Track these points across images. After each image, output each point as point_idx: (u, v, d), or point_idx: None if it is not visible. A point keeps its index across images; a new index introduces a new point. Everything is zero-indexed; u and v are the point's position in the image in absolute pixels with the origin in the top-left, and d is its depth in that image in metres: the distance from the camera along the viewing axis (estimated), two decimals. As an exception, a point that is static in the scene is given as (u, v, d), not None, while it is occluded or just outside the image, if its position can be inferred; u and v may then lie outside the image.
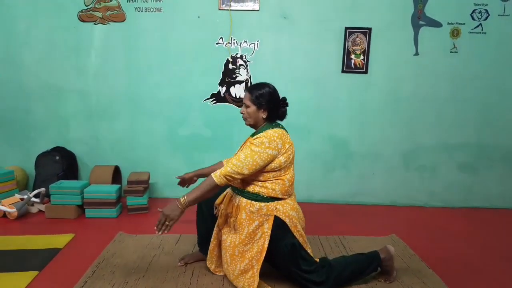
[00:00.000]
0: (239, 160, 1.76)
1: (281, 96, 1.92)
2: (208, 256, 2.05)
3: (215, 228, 1.99)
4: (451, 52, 3.15)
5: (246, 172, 1.75)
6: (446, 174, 3.32)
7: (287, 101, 1.93)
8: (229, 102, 3.27)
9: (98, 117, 3.29)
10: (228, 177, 1.76)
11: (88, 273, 2.01)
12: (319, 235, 2.60)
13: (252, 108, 1.86)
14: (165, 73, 3.22)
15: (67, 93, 3.25)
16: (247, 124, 1.95)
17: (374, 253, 1.99)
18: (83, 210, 2.88)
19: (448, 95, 3.21)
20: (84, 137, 3.32)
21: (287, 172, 1.84)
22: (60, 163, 3.17)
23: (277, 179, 1.82)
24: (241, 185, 1.86)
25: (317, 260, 1.91)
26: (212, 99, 3.27)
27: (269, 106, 1.85)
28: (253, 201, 1.81)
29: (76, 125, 3.30)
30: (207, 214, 2.08)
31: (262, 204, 1.80)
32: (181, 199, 1.82)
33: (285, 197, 1.85)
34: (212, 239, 2.01)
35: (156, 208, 3.09)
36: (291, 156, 1.85)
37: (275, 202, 1.81)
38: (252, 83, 3.23)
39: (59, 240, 2.41)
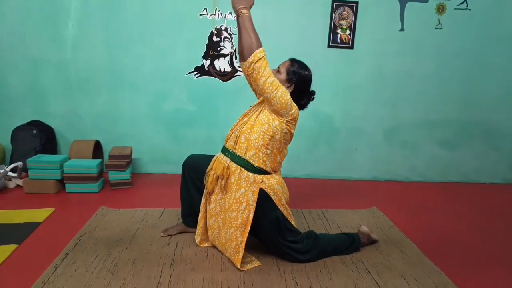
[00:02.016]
0: (274, 77, 1.68)
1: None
2: (197, 228, 2.04)
3: (202, 199, 1.98)
4: (435, 28, 3.15)
5: (264, 79, 1.63)
6: (427, 150, 3.39)
7: (314, 96, 1.91)
8: (213, 76, 3.20)
9: (78, 90, 3.17)
10: (257, 57, 1.63)
11: (69, 245, 1.98)
12: (302, 208, 2.64)
13: (283, 76, 1.81)
14: (147, 45, 3.11)
15: (44, 65, 3.10)
16: None
17: (355, 235, 2.06)
18: (63, 185, 2.81)
19: (431, 71, 3.24)
20: (63, 111, 3.21)
21: (281, 152, 1.85)
22: (38, 138, 3.06)
23: (272, 152, 1.80)
24: (236, 146, 1.82)
25: (301, 232, 1.95)
26: (195, 73, 3.19)
27: (297, 85, 1.81)
28: (242, 168, 1.80)
29: (54, 99, 3.17)
30: (190, 185, 2.07)
31: (250, 174, 1.80)
32: (246, 10, 1.71)
33: (272, 172, 1.86)
34: (199, 211, 2.00)
35: (139, 183, 3.07)
36: (291, 135, 1.84)
37: (262, 175, 1.81)
38: (237, 56, 3.16)
39: (39, 214, 2.36)
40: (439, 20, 3.13)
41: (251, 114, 1.87)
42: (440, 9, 3.12)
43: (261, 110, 1.82)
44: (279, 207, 1.84)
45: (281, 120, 1.75)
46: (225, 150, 1.90)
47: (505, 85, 3.28)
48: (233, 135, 1.87)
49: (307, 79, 1.86)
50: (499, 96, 3.31)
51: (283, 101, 1.70)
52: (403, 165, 3.41)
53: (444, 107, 3.31)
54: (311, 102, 1.94)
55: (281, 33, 3.13)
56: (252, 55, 1.65)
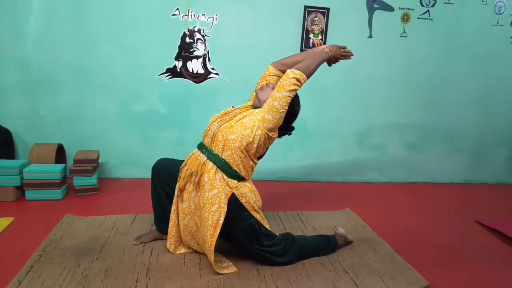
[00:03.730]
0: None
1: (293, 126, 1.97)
2: (167, 237, 1.97)
3: (173, 206, 1.92)
4: (401, 36, 3.30)
5: (287, 93, 1.73)
6: (394, 152, 3.53)
7: (292, 132, 1.97)
8: (186, 77, 3.13)
9: (39, 90, 2.97)
10: (300, 79, 1.76)
11: (34, 257, 1.83)
12: (278, 211, 2.64)
13: None
14: (116, 43, 2.98)
15: (1, 62, 2.88)
16: (257, 96, 1.92)
17: (332, 237, 2.09)
18: (23, 192, 2.62)
19: (398, 77, 3.38)
20: (22, 112, 2.99)
21: (253, 159, 1.83)
22: (-6, 141, 2.84)
23: (246, 157, 1.78)
24: (213, 143, 1.78)
25: (277, 234, 1.94)
26: (167, 74, 3.11)
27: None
28: (218, 168, 1.76)
29: (13, 98, 2.95)
30: (160, 190, 2.01)
31: (225, 176, 1.77)
32: (328, 51, 1.95)
33: (246, 177, 1.84)
34: (170, 220, 1.94)
35: (108, 188, 2.92)
36: (263, 149, 1.84)
37: (236, 180, 1.79)
38: (211, 59, 3.13)
39: (-4, 224, 2.17)
40: (404, 28, 3.28)
41: (233, 114, 1.84)
42: (405, 18, 3.28)
43: (246, 115, 1.81)
44: (252, 213, 1.82)
45: (264, 132, 1.75)
46: (202, 147, 1.85)
47: (465, 91, 3.50)
48: (210, 131, 1.83)
49: (295, 115, 1.90)
50: (459, 101, 3.51)
51: (279, 120, 1.77)
52: (372, 167, 3.52)
53: (410, 112, 3.46)
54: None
55: (256, 36, 3.13)
56: (299, 74, 1.76)
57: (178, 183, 1.87)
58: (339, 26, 3.19)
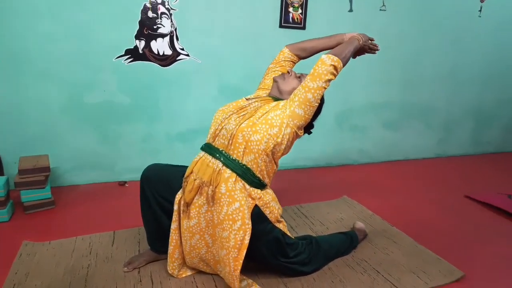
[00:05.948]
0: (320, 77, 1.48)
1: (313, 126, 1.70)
2: (168, 261, 1.62)
3: (173, 224, 1.56)
4: (380, 10, 3.16)
5: (324, 84, 1.47)
6: (374, 132, 3.46)
7: (311, 130, 1.69)
8: (151, 60, 2.64)
9: (-46, 82, 2.27)
10: (337, 68, 1.48)
11: (-6, 314, 1.36)
12: (275, 207, 2.40)
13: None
14: (59, 20, 2.36)
15: None
16: (277, 86, 1.62)
17: (353, 234, 1.94)
18: (-48, 218, 2.01)
19: (376, 54, 3.25)
20: None
21: (277, 163, 1.56)
22: None
23: (270, 162, 1.50)
24: (231, 146, 1.45)
25: (294, 238, 1.70)
26: (127, 57, 2.59)
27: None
28: (238, 176, 1.44)
29: None
30: (154, 204, 1.62)
31: (247, 185, 1.46)
32: (360, 38, 1.67)
33: (268, 184, 1.57)
34: (170, 240, 1.58)
35: (65, 200, 2.38)
36: (288, 150, 1.55)
37: (259, 189, 1.51)
38: (179, 37, 2.67)
39: None
40: (383, 1, 3.14)
41: (252, 109, 1.52)
42: (384, -10, 3.13)
43: (270, 110, 1.49)
44: (276, 224, 1.56)
45: (294, 130, 1.47)
46: (214, 150, 1.50)
47: (436, 66, 3.51)
48: (223, 130, 1.49)
49: (320, 111, 1.62)
50: (431, 77, 3.52)
51: (310, 116, 1.51)
52: (353, 149, 3.42)
53: (387, 90, 3.39)
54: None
55: (230, 8, 2.74)
56: (337, 61, 1.48)
57: (182, 196, 1.52)
58: (319, -2, 2.93)
